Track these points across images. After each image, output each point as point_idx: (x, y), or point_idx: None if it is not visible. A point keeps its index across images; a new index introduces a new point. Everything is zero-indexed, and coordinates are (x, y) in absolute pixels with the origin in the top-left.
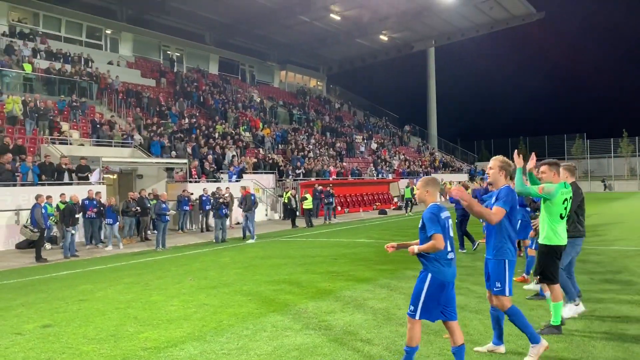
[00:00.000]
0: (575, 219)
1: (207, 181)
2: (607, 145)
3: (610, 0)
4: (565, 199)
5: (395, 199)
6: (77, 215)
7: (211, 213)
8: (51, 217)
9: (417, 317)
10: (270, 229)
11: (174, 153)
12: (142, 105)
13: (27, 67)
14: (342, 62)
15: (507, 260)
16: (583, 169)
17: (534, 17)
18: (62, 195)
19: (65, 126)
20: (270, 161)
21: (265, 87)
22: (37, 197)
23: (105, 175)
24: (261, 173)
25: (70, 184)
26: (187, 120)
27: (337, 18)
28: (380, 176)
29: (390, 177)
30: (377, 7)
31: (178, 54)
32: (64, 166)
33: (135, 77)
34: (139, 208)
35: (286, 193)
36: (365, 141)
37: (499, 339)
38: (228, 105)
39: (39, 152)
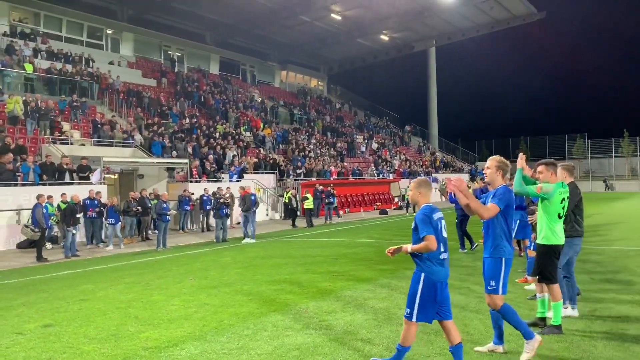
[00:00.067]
0: (572, 218)
1: (208, 181)
2: (608, 145)
3: (611, 0)
4: (563, 199)
5: (396, 199)
6: (78, 215)
7: (212, 213)
8: (52, 217)
9: (414, 319)
10: (271, 229)
11: (174, 153)
12: (143, 105)
13: (28, 67)
14: (343, 62)
15: (504, 259)
16: (584, 169)
17: (534, 17)
18: (63, 195)
19: (66, 126)
20: (271, 161)
21: (266, 87)
22: (38, 196)
23: (106, 175)
24: (262, 173)
25: (71, 183)
26: (187, 120)
27: (338, 18)
28: (381, 176)
29: (391, 177)
30: (377, 7)
31: (179, 54)
32: (65, 166)
33: (136, 77)
34: (139, 208)
35: (287, 193)
36: (366, 141)
37: (500, 338)
38: (229, 105)
39: (40, 152)
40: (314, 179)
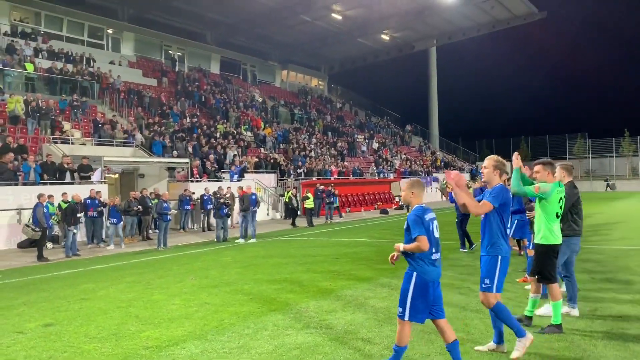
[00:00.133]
0: (570, 218)
1: (209, 180)
2: (609, 144)
3: (612, 0)
4: (561, 198)
5: (397, 199)
6: (78, 215)
7: (212, 212)
8: (53, 217)
9: (406, 318)
10: (272, 229)
11: (175, 152)
12: (144, 105)
13: (29, 67)
14: (344, 61)
15: (500, 257)
16: (585, 169)
17: (535, 16)
18: (63, 194)
19: (67, 126)
20: (272, 161)
21: (266, 87)
22: (39, 196)
23: (107, 175)
24: (263, 172)
25: (72, 183)
26: (188, 119)
27: (339, 17)
28: (381, 176)
29: (391, 176)
30: (378, 7)
31: (179, 54)
32: (65, 165)
33: (137, 77)
34: (140, 207)
35: (287, 192)
36: (366, 141)
37: (500, 338)
38: (229, 104)
39: (40, 151)
40: (314, 178)
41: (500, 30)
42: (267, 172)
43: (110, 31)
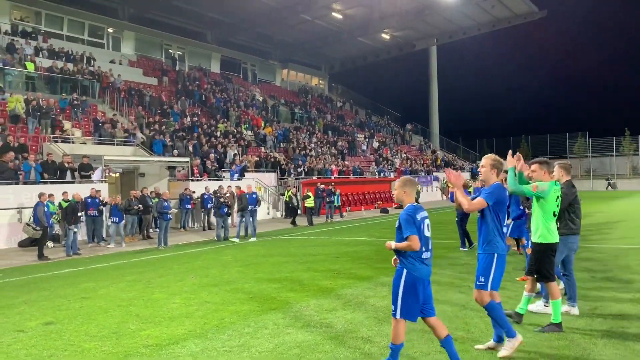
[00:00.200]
0: (567, 217)
1: (209, 180)
2: (609, 143)
3: None
4: (557, 197)
5: None
6: (79, 214)
7: (213, 211)
8: (54, 216)
9: (398, 316)
10: (272, 228)
11: (175, 152)
12: (144, 104)
13: (30, 66)
14: (344, 60)
15: (496, 254)
16: (585, 168)
17: (536, 15)
18: (64, 193)
19: (67, 125)
20: (272, 160)
21: (267, 86)
22: (40, 195)
23: (109, 174)
24: (263, 171)
25: (73, 182)
26: (189, 118)
27: (339, 16)
28: (382, 175)
29: (392, 175)
30: (379, 6)
31: (180, 53)
32: (66, 164)
33: (137, 76)
34: (141, 206)
35: (287, 191)
36: (367, 140)
37: (500, 337)
38: (230, 103)
39: (41, 150)
40: (315, 177)
41: (500, 29)
42: (267, 171)
43: (110, 30)
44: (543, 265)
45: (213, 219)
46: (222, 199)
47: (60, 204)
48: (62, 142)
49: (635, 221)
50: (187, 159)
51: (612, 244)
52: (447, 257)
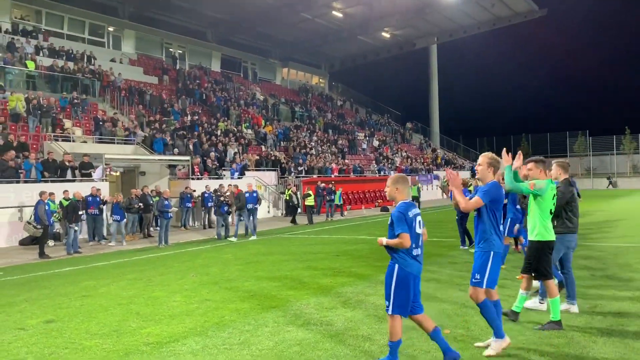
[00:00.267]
0: (564, 215)
1: (210, 178)
2: (610, 142)
3: None
4: (554, 195)
5: None
6: (80, 212)
7: (213, 210)
8: (54, 214)
9: (390, 312)
10: (272, 226)
11: (176, 150)
12: (145, 103)
13: (30, 65)
14: (344, 59)
15: (492, 252)
16: (585, 166)
17: (536, 14)
18: (65, 192)
19: (68, 123)
20: (273, 158)
21: (267, 85)
22: (41, 193)
23: (109, 173)
24: (263, 170)
25: (74, 180)
26: (189, 117)
27: (339, 15)
28: (382, 173)
29: (392, 174)
30: (379, 4)
31: (180, 52)
32: (67, 163)
33: (138, 75)
34: (141, 205)
35: (288, 190)
36: (367, 138)
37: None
38: (230, 102)
39: (42, 149)
40: (315, 176)
41: (501, 27)
42: (267, 170)
43: (111, 29)
44: (541, 263)
45: (213, 218)
46: (222, 198)
47: (61, 202)
48: (63, 140)
49: (636, 220)
50: (188, 158)
51: (612, 243)
52: (447, 256)
